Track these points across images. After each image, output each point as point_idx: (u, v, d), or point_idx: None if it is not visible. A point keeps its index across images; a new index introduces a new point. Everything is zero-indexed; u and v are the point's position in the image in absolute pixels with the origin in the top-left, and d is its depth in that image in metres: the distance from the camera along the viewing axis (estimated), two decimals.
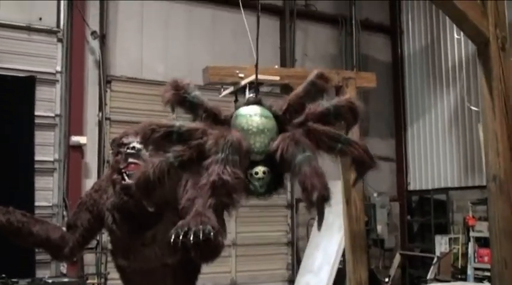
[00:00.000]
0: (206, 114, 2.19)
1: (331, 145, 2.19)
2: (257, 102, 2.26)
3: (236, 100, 5.68)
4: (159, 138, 2.10)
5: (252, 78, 5.27)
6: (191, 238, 2.11)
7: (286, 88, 6.20)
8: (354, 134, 5.84)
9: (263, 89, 7.30)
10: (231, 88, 5.68)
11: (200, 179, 2.03)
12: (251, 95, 2.55)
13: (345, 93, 6.12)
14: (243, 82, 5.43)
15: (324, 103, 2.28)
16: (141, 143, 2.21)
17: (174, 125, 2.10)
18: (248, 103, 2.27)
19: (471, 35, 4.59)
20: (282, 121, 2.22)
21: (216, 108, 2.22)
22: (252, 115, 2.15)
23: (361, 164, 2.29)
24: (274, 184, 2.16)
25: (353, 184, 2.41)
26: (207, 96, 2.32)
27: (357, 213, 6.19)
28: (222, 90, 5.82)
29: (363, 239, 6.33)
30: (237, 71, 5.62)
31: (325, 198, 1.99)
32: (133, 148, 3.04)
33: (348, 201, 6.17)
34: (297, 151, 2.02)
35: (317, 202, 1.99)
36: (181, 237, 2.15)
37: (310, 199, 1.99)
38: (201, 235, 2.10)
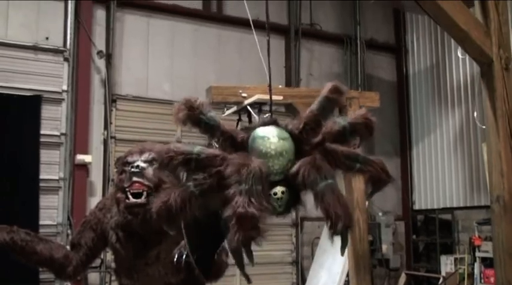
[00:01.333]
0: (223, 137, 2.17)
1: (349, 165, 2.20)
2: (273, 122, 2.26)
3: (240, 120, 5.71)
4: (177, 166, 2.10)
5: (255, 98, 5.31)
6: (194, 258, 2.12)
7: (290, 108, 6.23)
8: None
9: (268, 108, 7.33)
10: (234, 108, 5.72)
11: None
12: (267, 115, 2.55)
13: (348, 112, 6.13)
14: (245, 102, 5.47)
15: (340, 121, 2.27)
16: (157, 166, 2.23)
17: (193, 152, 2.08)
18: (264, 124, 2.26)
19: (474, 55, 4.60)
20: (298, 141, 2.21)
21: (232, 130, 2.21)
22: (270, 138, 2.14)
23: (378, 181, 2.31)
24: (292, 202, 2.16)
25: (368, 197, 2.42)
26: None
27: (360, 233, 6.16)
28: (225, 109, 5.86)
29: (366, 260, 6.29)
30: (240, 91, 5.67)
31: (349, 227, 2.01)
32: (138, 166, 3.06)
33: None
34: (318, 178, 2.02)
35: (341, 231, 2.01)
36: (184, 257, 2.16)
37: (334, 228, 2.01)
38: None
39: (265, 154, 2.09)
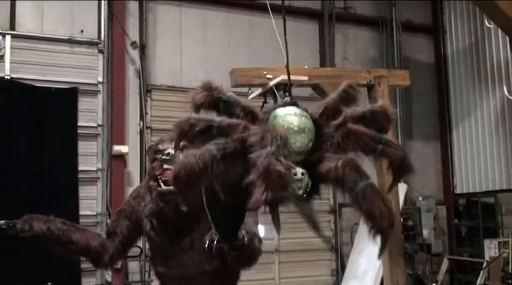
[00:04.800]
0: (244, 112, 2.13)
1: (372, 146, 2.14)
2: (293, 103, 2.22)
3: (265, 102, 5.56)
4: (198, 133, 2.02)
5: (280, 79, 5.17)
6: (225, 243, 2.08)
7: (316, 89, 6.09)
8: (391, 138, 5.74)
9: (298, 93, 7.24)
10: (259, 90, 5.58)
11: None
12: (287, 98, 2.50)
13: (376, 91, 5.98)
14: (271, 83, 5.34)
15: (360, 108, 2.24)
16: (174, 135, 2.13)
17: (215, 120, 2.02)
18: (285, 104, 2.23)
19: (502, 24, 4.43)
20: (318, 124, 2.17)
21: (254, 106, 2.17)
22: (291, 114, 2.10)
23: (399, 168, 2.24)
24: (311, 188, 2.09)
25: (389, 189, 2.33)
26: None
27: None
28: (250, 91, 5.74)
29: (399, 243, 6.16)
30: (265, 72, 5.53)
31: (392, 223, 1.96)
32: (169, 154, 3.04)
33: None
34: (358, 178, 1.97)
35: (386, 229, 1.95)
36: (215, 243, 2.12)
37: (379, 227, 1.95)
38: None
39: (288, 130, 2.03)
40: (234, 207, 2.13)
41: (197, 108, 2.14)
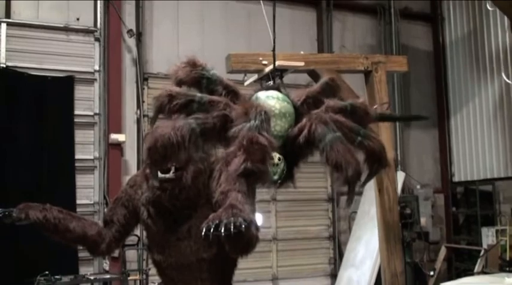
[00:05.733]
0: (226, 91, 2.08)
1: (351, 137, 2.12)
2: (276, 88, 2.19)
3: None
4: (178, 107, 1.96)
5: (276, 64, 5.12)
6: (222, 231, 2.05)
7: (312, 74, 6.04)
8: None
9: (295, 80, 7.19)
10: (255, 76, 5.54)
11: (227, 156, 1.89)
12: (269, 82, 2.49)
13: (374, 77, 5.94)
14: (266, 69, 5.30)
15: (341, 101, 2.23)
16: (153, 109, 2.05)
17: (196, 94, 1.97)
18: (267, 88, 2.20)
19: (503, 6, 4.38)
20: (299, 112, 2.14)
21: (236, 86, 2.14)
22: (274, 98, 2.08)
23: (376, 161, 2.22)
24: (286, 174, 2.08)
25: (363, 184, 2.29)
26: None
27: (390, 203, 6.01)
28: (245, 78, 5.69)
29: (397, 230, 6.14)
30: (260, 58, 5.48)
31: (359, 173, 1.94)
32: None
33: (380, 190, 6.01)
34: (326, 130, 1.94)
35: (351, 178, 1.93)
36: (212, 231, 2.09)
37: (345, 176, 1.93)
38: (232, 228, 2.04)
39: (268, 109, 2.01)
40: None
41: (179, 82, 2.09)
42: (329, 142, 1.93)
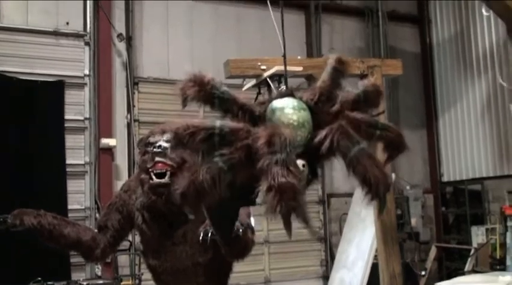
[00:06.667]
0: (242, 110, 2.06)
1: (370, 132, 2.14)
2: (290, 93, 2.19)
3: (259, 93, 5.56)
4: (199, 142, 1.96)
5: (274, 69, 5.16)
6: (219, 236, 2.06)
7: (310, 79, 6.09)
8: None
9: (289, 83, 7.20)
10: (253, 81, 5.57)
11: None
12: (283, 87, 2.46)
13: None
14: (265, 74, 5.33)
15: (353, 90, 2.23)
16: (173, 144, 2.05)
17: (215, 126, 1.95)
18: (280, 95, 2.19)
19: (499, 11, 4.43)
20: (315, 112, 2.14)
21: (249, 103, 2.12)
22: (290, 109, 2.07)
23: (395, 148, 2.25)
24: (311, 177, 2.09)
25: (385, 163, 2.31)
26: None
27: (387, 204, 6.06)
28: (244, 83, 5.71)
29: (394, 231, 6.19)
30: (259, 63, 5.51)
31: (388, 186, 1.96)
32: (160, 146, 3.03)
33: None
34: (350, 144, 1.95)
35: (382, 192, 1.95)
36: (209, 235, 2.11)
37: (374, 191, 1.94)
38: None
39: (288, 126, 2.00)
40: (233, 205, 2.12)
41: (188, 102, 2.06)
42: (355, 157, 1.94)
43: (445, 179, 11.16)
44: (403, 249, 9.51)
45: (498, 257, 9.20)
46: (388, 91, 10.77)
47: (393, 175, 9.95)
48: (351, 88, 2.24)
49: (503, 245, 9.20)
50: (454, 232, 11.02)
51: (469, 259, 9.28)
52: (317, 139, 1.99)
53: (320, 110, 2.12)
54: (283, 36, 2.57)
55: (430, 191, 11.18)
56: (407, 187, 10.43)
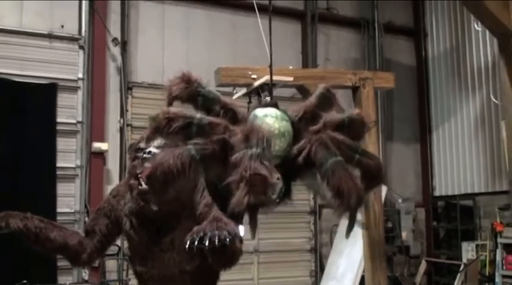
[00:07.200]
0: (224, 110, 2.05)
1: (349, 155, 2.12)
2: (274, 104, 2.18)
3: (250, 102, 5.56)
4: (176, 129, 1.93)
5: (264, 79, 5.15)
6: (206, 244, 2.03)
7: (301, 89, 6.08)
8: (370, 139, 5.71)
9: (280, 93, 7.20)
10: (244, 90, 5.55)
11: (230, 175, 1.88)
12: (267, 97, 2.45)
13: (361, 94, 5.98)
14: (256, 83, 5.31)
15: (339, 115, 2.23)
16: (151, 130, 2.02)
17: (195, 116, 1.93)
18: (265, 105, 2.18)
19: (491, 26, 4.45)
20: (297, 127, 2.13)
21: (234, 104, 2.11)
22: (273, 117, 2.06)
23: (373, 178, 2.22)
24: (284, 193, 2.06)
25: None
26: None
27: (376, 218, 6.03)
28: (234, 91, 5.70)
29: (382, 246, 6.16)
30: (250, 72, 5.50)
31: (361, 201, 1.93)
32: (150, 152, 2.99)
33: (366, 206, 6.03)
34: (328, 155, 1.92)
35: (354, 206, 1.91)
36: (196, 243, 2.08)
37: (346, 203, 1.91)
38: (216, 241, 2.02)
39: (268, 133, 2.00)
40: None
41: (173, 99, 2.06)
42: (330, 168, 1.91)
43: (437, 193, 11.16)
44: (392, 263, 9.49)
45: (487, 273, 9.19)
46: (382, 103, 10.79)
47: (385, 188, 9.96)
48: (337, 114, 2.24)
49: (492, 261, 9.19)
50: (445, 246, 11.00)
51: (459, 275, 9.26)
52: (296, 147, 1.98)
53: (302, 126, 2.11)
54: (271, 46, 2.57)
55: (422, 205, 11.18)
56: (399, 200, 10.42)
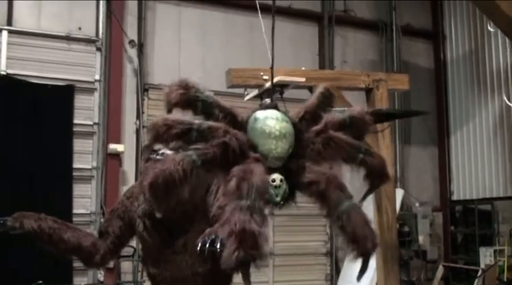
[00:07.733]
0: (223, 114, 2.04)
1: (352, 155, 2.10)
2: (274, 106, 2.17)
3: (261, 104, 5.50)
4: (175, 135, 1.92)
5: (276, 79, 5.11)
6: (218, 246, 2.01)
7: (313, 91, 6.03)
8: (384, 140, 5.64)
9: (297, 95, 7.17)
10: (256, 91, 5.50)
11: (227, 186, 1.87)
12: (266, 100, 2.45)
13: (375, 95, 5.91)
14: (267, 85, 5.26)
15: (340, 114, 2.21)
16: (151, 137, 2.02)
17: (194, 122, 1.93)
18: (265, 107, 2.17)
19: (503, 27, 4.36)
20: (298, 128, 2.12)
21: (233, 108, 2.10)
22: (273, 119, 2.05)
23: (377, 177, 2.19)
24: (288, 194, 2.04)
25: (362, 198, 2.28)
26: (229, 103, 2.20)
27: (388, 222, 5.95)
28: (246, 93, 5.65)
29: (395, 250, 6.08)
30: (261, 73, 5.45)
31: (376, 248, 1.92)
32: (163, 154, 2.98)
33: (379, 209, 5.95)
34: (341, 198, 1.91)
35: (367, 253, 1.90)
36: (208, 246, 2.06)
37: (362, 249, 1.90)
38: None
39: (269, 135, 1.99)
40: None
41: (172, 106, 2.06)
42: (345, 212, 1.90)
43: (454, 197, 11.04)
44: (409, 267, 9.40)
45: (505, 279, 9.06)
46: (400, 106, 10.70)
47: (402, 191, 9.87)
48: (339, 113, 2.23)
49: (511, 267, 9.06)
50: (462, 251, 10.87)
51: (476, 280, 9.14)
52: (306, 181, 1.96)
53: (303, 127, 2.10)
54: (273, 46, 2.56)
55: (439, 209, 11.05)
56: (416, 204, 10.33)
